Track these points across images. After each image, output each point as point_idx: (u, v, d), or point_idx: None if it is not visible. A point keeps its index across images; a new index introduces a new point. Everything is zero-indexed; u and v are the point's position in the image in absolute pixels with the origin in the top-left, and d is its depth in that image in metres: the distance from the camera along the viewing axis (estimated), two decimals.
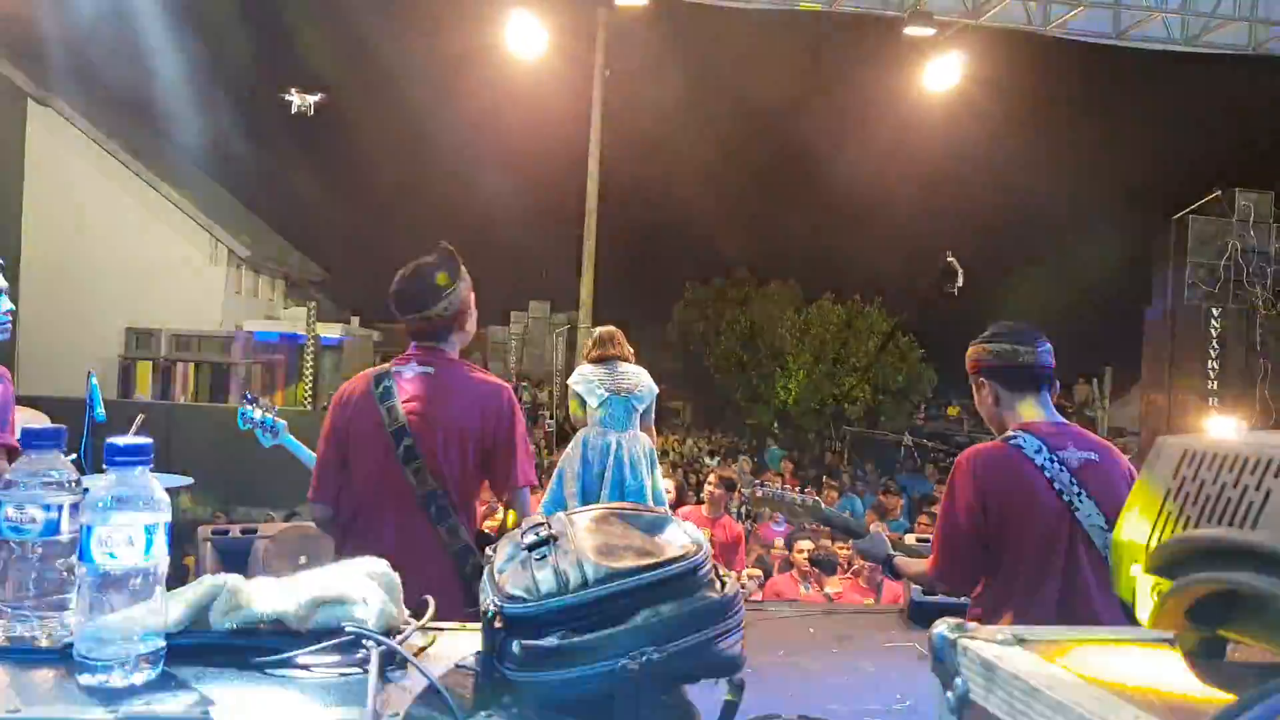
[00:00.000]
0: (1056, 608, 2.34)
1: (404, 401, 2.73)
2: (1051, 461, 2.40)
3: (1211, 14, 10.75)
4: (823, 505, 3.01)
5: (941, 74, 11.15)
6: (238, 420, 3.81)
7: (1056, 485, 2.38)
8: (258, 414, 3.80)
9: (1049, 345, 2.59)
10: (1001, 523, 2.40)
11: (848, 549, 7.53)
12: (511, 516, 2.93)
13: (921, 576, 2.71)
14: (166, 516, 1.04)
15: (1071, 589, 2.35)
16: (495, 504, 4.88)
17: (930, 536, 2.87)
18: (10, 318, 2.81)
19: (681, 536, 1.08)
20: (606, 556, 1.02)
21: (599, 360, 5.51)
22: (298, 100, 15.70)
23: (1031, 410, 2.53)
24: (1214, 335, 11.59)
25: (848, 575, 6.91)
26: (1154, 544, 0.77)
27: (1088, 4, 10.56)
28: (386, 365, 2.86)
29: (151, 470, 1.08)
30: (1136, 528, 0.82)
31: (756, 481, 3.24)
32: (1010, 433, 2.50)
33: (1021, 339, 2.56)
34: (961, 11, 10.57)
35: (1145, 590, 0.75)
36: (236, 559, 4.88)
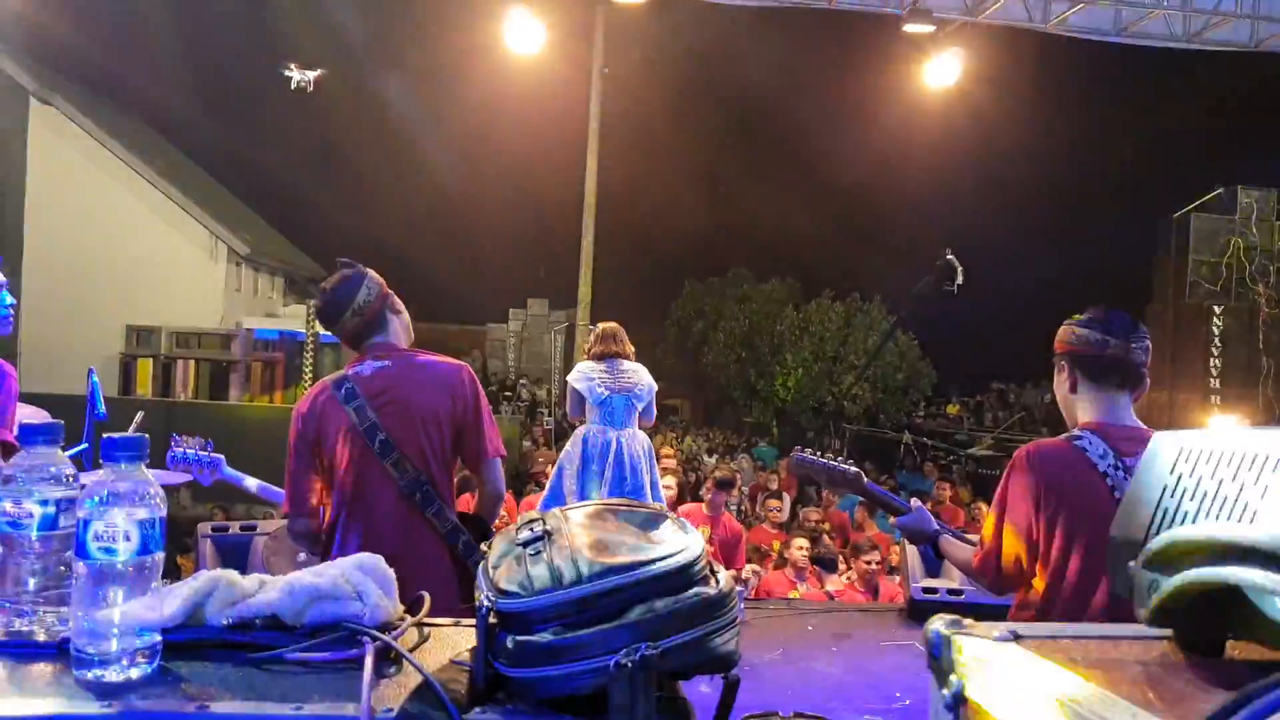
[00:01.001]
0: (1104, 615, 2.22)
1: (370, 398, 2.75)
2: (1115, 469, 2.28)
3: (1212, 10, 10.74)
4: (864, 477, 2.87)
5: (941, 71, 11.14)
6: (166, 462, 3.59)
7: (1117, 493, 2.24)
8: (190, 452, 3.59)
9: (1147, 342, 2.41)
10: (1054, 524, 2.29)
11: (845, 548, 7.54)
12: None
13: (965, 564, 2.56)
14: (163, 512, 1.04)
15: (1121, 598, 2.25)
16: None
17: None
18: (11, 311, 2.80)
19: (676, 533, 1.08)
20: (601, 552, 1.02)
21: (600, 357, 5.50)
22: (297, 75, 15.61)
23: (1106, 409, 2.39)
24: (1216, 333, 11.59)
25: (848, 573, 6.91)
26: (1152, 540, 0.77)
27: (1088, 1, 10.54)
28: (341, 372, 2.88)
29: (149, 467, 1.08)
30: (1134, 524, 0.81)
31: (799, 449, 3.09)
32: (1076, 431, 2.39)
33: (1114, 328, 2.39)
34: (961, 8, 10.56)
35: (1143, 587, 0.75)
36: (236, 556, 4.88)
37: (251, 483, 3.55)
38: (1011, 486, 2.36)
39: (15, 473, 1.09)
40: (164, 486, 1.09)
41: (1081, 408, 2.43)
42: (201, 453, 3.56)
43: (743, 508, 10.69)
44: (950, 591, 5.29)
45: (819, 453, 2.96)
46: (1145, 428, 2.40)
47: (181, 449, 3.59)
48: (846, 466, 2.89)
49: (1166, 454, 0.81)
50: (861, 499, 3.08)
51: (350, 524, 2.73)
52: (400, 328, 2.97)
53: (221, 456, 3.58)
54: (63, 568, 1.11)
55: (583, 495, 5.28)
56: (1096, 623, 2.14)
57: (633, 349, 5.61)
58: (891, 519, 2.94)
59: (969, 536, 2.79)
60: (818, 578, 6.75)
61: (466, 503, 3.41)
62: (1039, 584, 2.35)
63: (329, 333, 2.97)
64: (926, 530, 2.71)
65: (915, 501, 2.83)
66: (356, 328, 2.89)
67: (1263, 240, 11.87)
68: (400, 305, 3.00)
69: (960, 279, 13.65)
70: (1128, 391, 2.40)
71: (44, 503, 1.10)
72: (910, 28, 10.28)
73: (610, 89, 18.57)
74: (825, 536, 8.05)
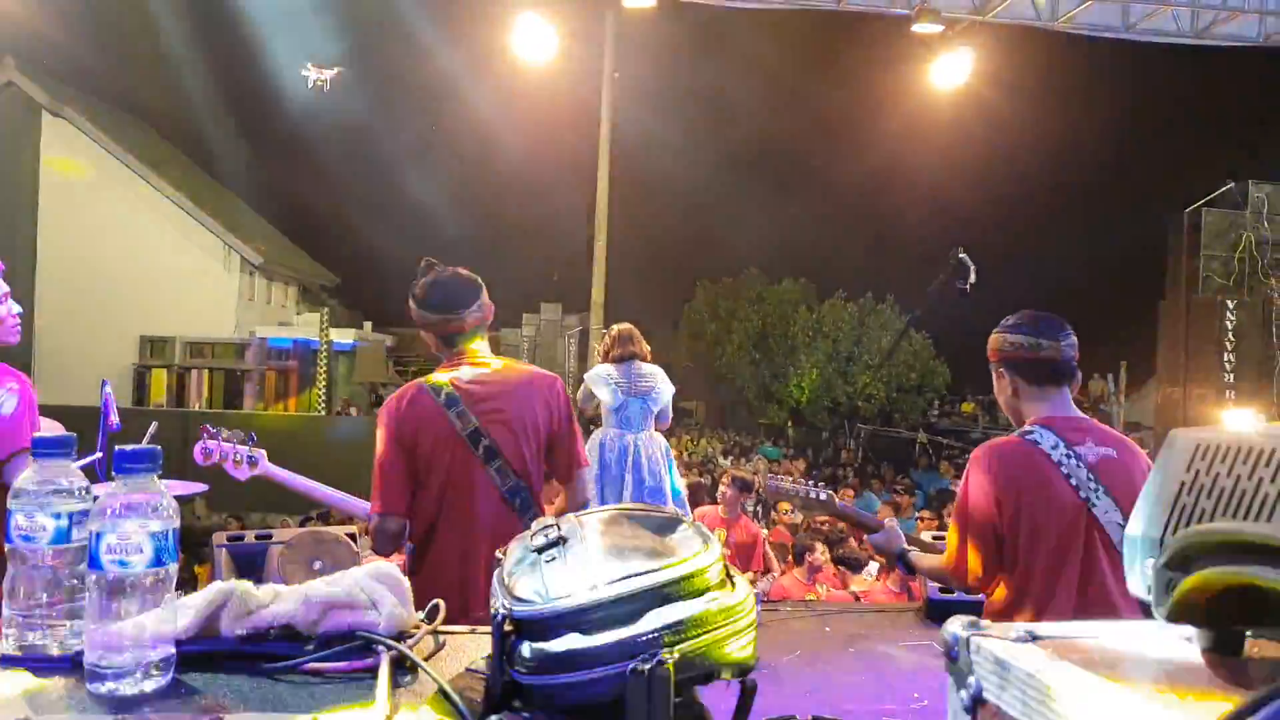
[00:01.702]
0: (1074, 604, 2.32)
1: (471, 404, 2.78)
2: (1069, 457, 2.38)
3: (1221, 6, 10.67)
4: (836, 500, 3.00)
5: (950, 71, 11.09)
6: (196, 455, 3.36)
7: (1074, 481, 2.36)
8: (227, 444, 3.35)
9: (1073, 338, 2.53)
10: (1017, 519, 2.38)
11: (865, 549, 7.51)
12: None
13: (936, 572, 2.68)
14: (176, 523, 1.04)
15: (1089, 586, 2.33)
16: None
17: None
18: (18, 320, 2.80)
19: (693, 537, 1.07)
20: (617, 558, 1.02)
21: (618, 359, 5.49)
22: (315, 75, 15.67)
23: (1050, 405, 2.50)
24: (1229, 328, 11.51)
25: (878, 577, 6.86)
26: (1168, 538, 0.76)
27: None
28: (433, 376, 2.87)
29: (162, 477, 1.08)
30: (1150, 522, 0.81)
31: (770, 474, 3.22)
32: (1027, 427, 2.48)
33: (1043, 330, 2.50)
34: (969, 8, 10.53)
35: (1160, 585, 0.74)
36: (251, 565, 4.89)
37: (300, 481, 3.34)
38: (972, 487, 2.45)
39: (27, 486, 1.10)
40: (178, 497, 1.09)
41: (1027, 409, 2.53)
42: (241, 445, 3.36)
43: (756, 509, 10.65)
44: (967, 592, 5.26)
45: (790, 478, 3.11)
46: (1086, 417, 2.54)
47: (216, 440, 3.37)
48: (818, 490, 3.01)
49: (1183, 451, 0.80)
50: (839, 518, 3.20)
51: (449, 527, 2.75)
52: (484, 342, 2.98)
53: (263, 451, 3.36)
54: (76, 581, 1.11)
55: (602, 500, 5.27)
56: (1065, 611, 2.18)
57: (649, 350, 5.59)
58: (866, 537, 3.03)
59: (936, 546, 2.89)
60: (841, 579, 6.72)
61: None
62: (1007, 577, 2.44)
63: (429, 325, 2.90)
64: (895, 549, 2.81)
65: (889, 521, 2.93)
66: (457, 329, 2.89)
67: (1275, 234, 11.78)
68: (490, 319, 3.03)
69: (973, 277, 13.59)
70: (1065, 386, 2.51)
71: (57, 516, 1.10)
72: (919, 28, 10.25)
73: (621, 93, 18.59)
74: (851, 539, 8.03)
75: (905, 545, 2.80)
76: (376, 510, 2.78)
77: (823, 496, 2.97)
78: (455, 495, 2.76)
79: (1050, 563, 2.36)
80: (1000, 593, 2.46)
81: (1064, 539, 2.35)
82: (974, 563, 2.46)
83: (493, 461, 2.75)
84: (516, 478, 2.77)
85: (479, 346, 2.92)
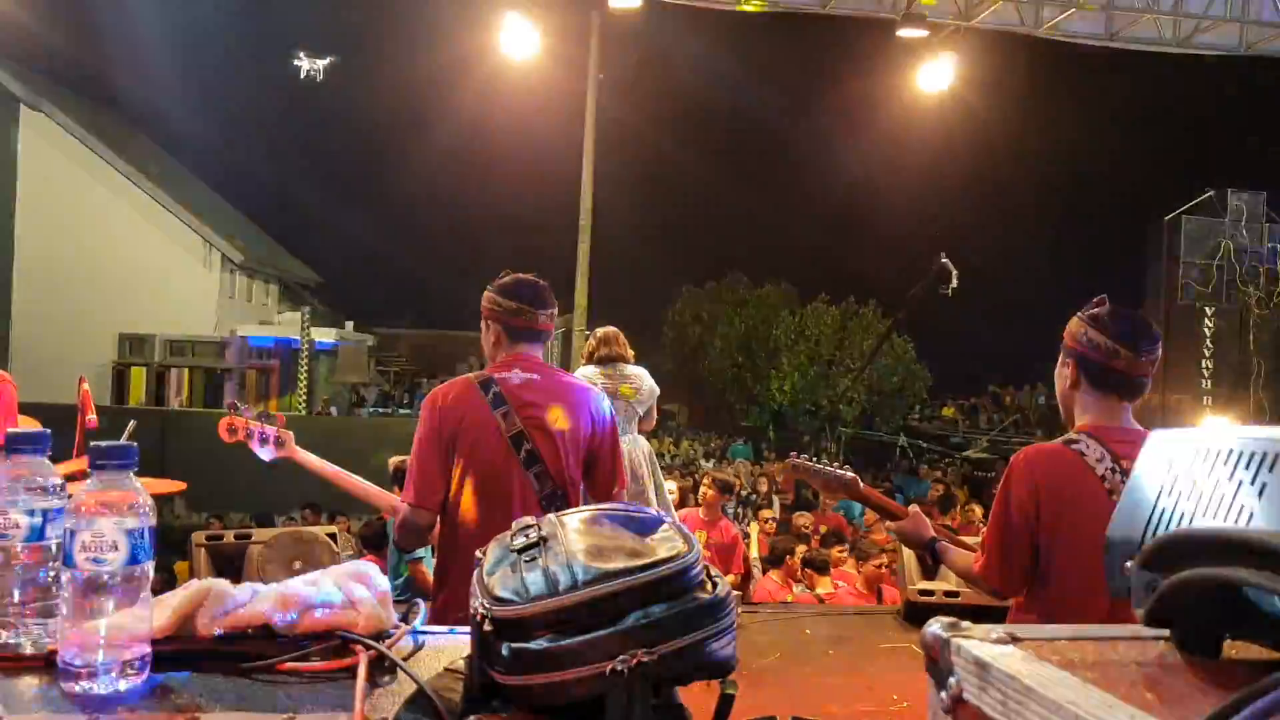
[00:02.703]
0: (1109, 620, 2.21)
1: (518, 407, 2.76)
2: (1113, 471, 2.26)
3: (1202, 15, 10.78)
4: (860, 482, 2.85)
5: (935, 75, 11.16)
6: (221, 431, 3.30)
7: (1115, 496, 2.16)
8: (254, 424, 3.27)
9: (1158, 353, 2.35)
10: (1054, 528, 2.27)
11: (843, 552, 7.54)
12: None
13: (966, 571, 2.52)
14: (151, 521, 1.03)
15: (1125, 603, 2.23)
16: None
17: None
18: None
19: (673, 537, 1.07)
20: (597, 558, 1.01)
21: (601, 361, 5.47)
22: (307, 64, 15.64)
23: (1107, 414, 2.35)
24: (1208, 335, 11.64)
25: (845, 575, 6.90)
26: (1148, 540, 0.76)
27: (1079, 6, 10.58)
28: (487, 372, 2.87)
29: (141, 476, 1.07)
30: (1131, 524, 0.81)
31: (794, 452, 3.09)
32: (1073, 435, 2.36)
33: (1126, 337, 2.31)
34: (954, 13, 10.60)
35: (1140, 587, 0.75)
36: (230, 564, 4.86)
37: (329, 468, 3.24)
38: (1011, 490, 2.33)
39: (1, 483, 1.08)
40: (157, 496, 1.08)
41: (1079, 407, 2.40)
42: (269, 426, 3.27)
43: (737, 511, 10.69)
44: (947, 594, 5.29)
45: (814, 458, 2.97)
46: (1143, 430, 2.36)
47: (245, 416, 3.27)
48: (843, 471, 2.88)
49: (1163, 453, 0.80)
50: (862, 502, 3.07)
51: (485, 528, 2.68)
52: (541, 351, 2.97)
53: (291, 433, 3.28)
54: (50, 579, 1.09)
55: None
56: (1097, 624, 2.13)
57: (632, 353, 5.57)
58: (886, 525, 2.94)
59: (965, 539, 2.79)
60: (809, 581, 6.75)
61: None
62: (1042, 588, 2.33)
63: (501, 312, 2.87)
64: (923, 537, 2.68)
65: (914, 508, 2.80)
66: (530, 325, 2.88)
67: (1252, 242, 11.92)
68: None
69: (955, 282, 13.68)
70: (1128, 399, 2.37)
71: (30, 513, 1.08)
72: (904, 32, 10.31)
73: (606, 95, 18.58)
74: (814, 539, 8.07)
75: (933, 534, 2.67)
76: (409, 500, 2.76)
77: (848, 477, 2.84)
78: (494, 497, 2.74)
79: (1086, 576, 2.15)
80: (1033, 603, 2.35)
81: (1100, 560, 2.23)
82: (1006, 568, 2.36)
83: (533, 466, 2.74)
84: (555, 485, 2.76)
85: (535, 353, 2.91)
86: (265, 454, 3.27)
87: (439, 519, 2.82)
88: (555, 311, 2.97)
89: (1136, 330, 2.33)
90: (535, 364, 2.89)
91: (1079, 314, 2.40)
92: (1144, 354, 2.31)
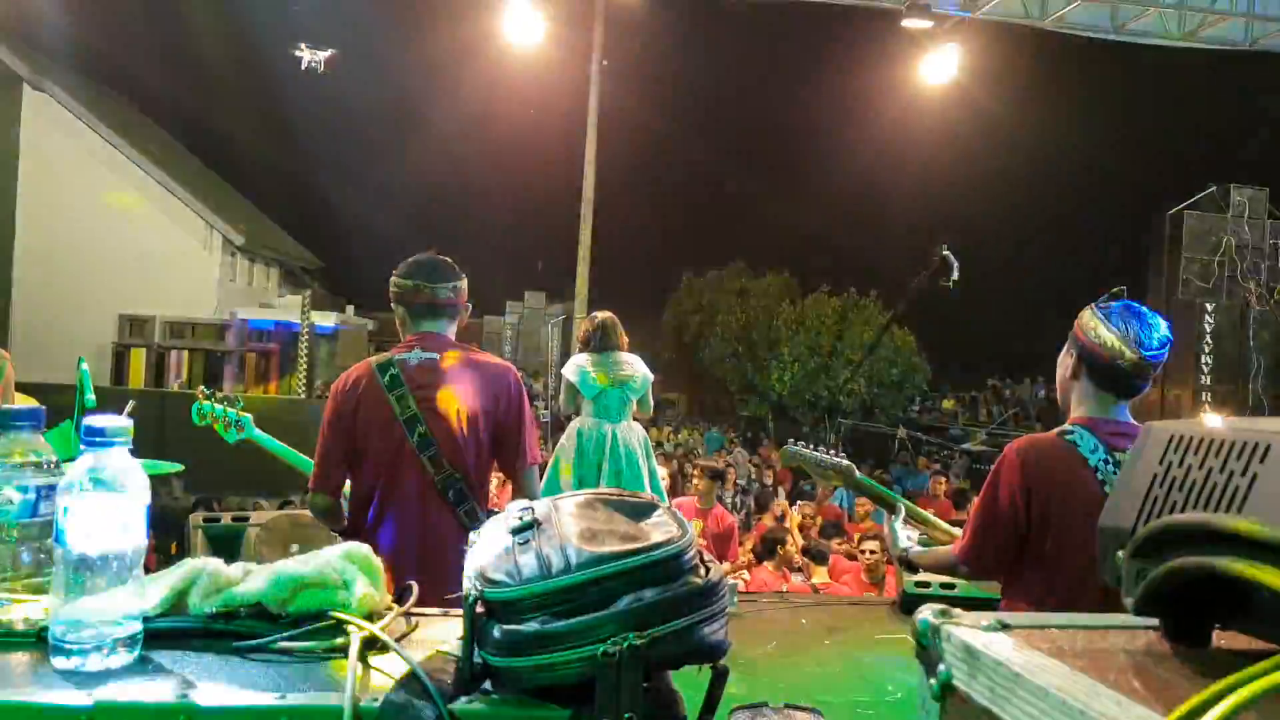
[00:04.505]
0: (1102, 610, 2.21)
1: (414, 390, 2.74)
2: (1106, 463, 2.27)
3: (1208, 9, 10.74)
4: (855, 470, 2.86)
5: (939, 66, 11.13)
6: (193, 415, 3.54)
7: (1107, 488, 2.24)
8: (218, 407, 3.52)
9: (1164, 354, 2.30)
10: (1044, 518, 2.28)
11: (842, 544, 7.55)
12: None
13: (940, 562, 2.55)
14: (145, 499, 1.03)
15: (1114, 592, 2.23)
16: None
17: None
18: None
19: (667, 522, 1.07)
20: (590, 541, 1.01)
21: (596, 349, 5.46)
22: (308, 56, 15.59)
23: (1102, 408, 2.35)
24: (1207, 330, 11.63)
25: (847, 566, 6.89)
26: (1139, 529, 0.76)
27: None
28: (387, 354, 2.85)
29: (139, 456, 1.07)
30: (1122, 513, 0.81)
31: (791, 439, 3.07)
32: (1067, 426, 2.36)
33: (1133, 336, 2.28)
34: (959, 4, 10.56)
35: (1131, 575, 0.75)
36: (227, 546, 4.88)
37: (280, 447, 3.46)
38: (1001, 479, 2.35)
39: None
40: (154, 476, 1.08)
41: (1076, 398, 2.40)
42: (231, 410, 3.48)
43: (734, 501, 10.69)
44: (943, 586, 5.29)
45: (811, 445, 2.95)
46: (1137, 425, 2.36)
47: (209, 402, 3.53)
48: (839, 459, 2.88)
49: (1156, 443, 0.80)
50: (857, 490, 3.07)
51: (384, 512, 2.73)
52: (454, 331, 2.96)
53: (250, 415, 3.50)
54: (43, 555, 1.10)
55: (579, 487, 5.26)
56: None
57: (627, 340, 5.57)
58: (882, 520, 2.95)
59: (944, 525, 2.80)
60: (807, 571, 6.76)
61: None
62: (1034, 578, 2.34)
63: (400, 293, 2.90)
64: (893, 553, 2.73)
65: (900, 507, 2.77)
66: (430, 304, 2.87)
67: (1254, 238, 11.89)
68: (465, 315, 3.00)
69: (956, 274, 13.64)
70: (1126, 397, 2.36)
71: (24, 489, 1.08)
72: (909, 22, 10.29)
73: (609, 81, 18.52)
74: (813, 530, 8.07)
75: (902, 549, 2.66)
76: (310, 485, 2.81)
77: (843, 464, 2.85)
78: (388, 480, 2.74)
79: (1077, 567, 2.22)
80: (1024, 591, 2.36)
81: (1091, 547, 2.23)
82: (989, 553, 2.37)
83: (426, 450, 2.71)
84: (451, 468, 2.72)
85: (442, 332, 2.89)
86: (229, 436, 3.42)
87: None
88: (461, 285, 2.92)
89: (1147, 332, 2.30)
90: (438, 342, 2.85)
91: (1093, 304, 2.37)
92: (1149, 354, 2.28)
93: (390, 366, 2.78)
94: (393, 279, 2.93)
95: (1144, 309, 2.36)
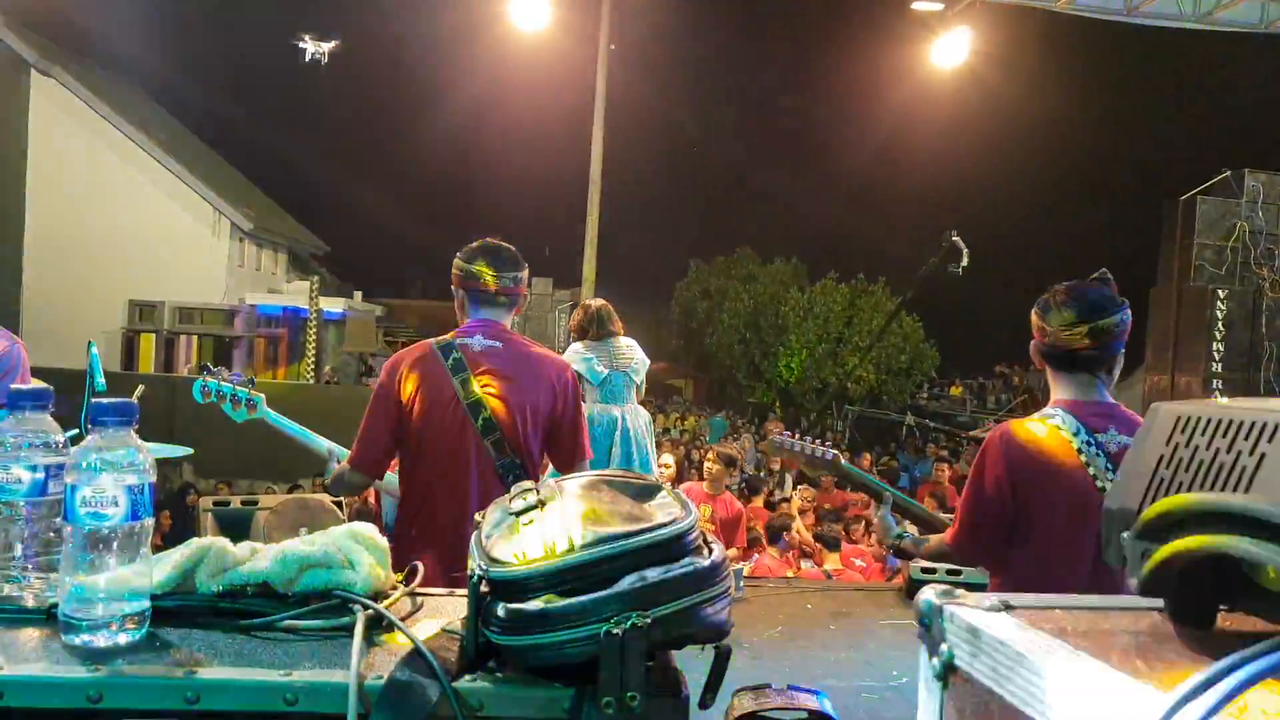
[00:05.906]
0: (1090, 589, 2.23)
1: (476, 374, 2.74)
2: (1088, 445, 2.31)
3: None
4: (841, 460, 2.88)
5: (949, 50, 11.06)
6: (194, 392, 3.33)
7: (1091, 470, 2.29)
8: (226, 385, 3.28)
9: (1112, 320, 2.34)
10: (1029, 502, 2.32)
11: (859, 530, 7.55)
12: None
13: (933, 550, 2.59)
14: (152, 478, 1.04)
15: (1102, 575, 2.26)
16: None
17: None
18: None
19: (670, 504, 1.07)
20: (594, 522, 1.02)
21: (595, 336, 5.47)
22: (312, 47, 15.55)
23: (1074, 389, 2.39)
24: (1219, 317, 11.54)
25: (859, 551, 6.89)
26: (1146, 510, 0.76)
27: None
28: (448, 337, 2.84)
29: (149, 440, 1.07)
30: (1129, 494, 0.81)
31: (775, 430, 3.07)
32: (1049, 410, 2.40)
33: (1065, 312, 2.34)
34: None
35: (1135, 556, 0.74)
36: (237, 530, 4.90)
37: (295, 428, 3.28)
38: (986, 465, 2.38)
39: (4, 438, 1.09)
40: (164, 460, 1.09)
41: (1053, 383, 2.46)
42: (240, 388, 3.27)
43: (740, 486, 10.69)
44: (949, 571, 5.30)
45: (797, 435, 2.97)
46: (1116, 403, 2.42)
47: (215, 379, 3.30)
48: (825, 449, 2.91)
49: (1163, 424, 0.80)
50: (844, 480, 3.09)
51: (441, 493, 2.72)
52: (510, 321, 2.93)
53: (262, 395, 3.30)
54: (52, 533, 1.10)
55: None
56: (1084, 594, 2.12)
57: (621, 325, 5.58)
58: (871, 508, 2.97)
59: (930, 513, 2.84)
60: (818, 557, 6.76)
61: None
62: (1020, 562, 2.37)
63: (463, 277, 2.86)
64: (886, 542, 2.75)
65: (888, 497, 2.78)
66: (496, 292, 2.84)
67: (1268, 224, 11.80)
68: (523, 308, 2.98)
69: (965, 261, 13.61)
70: (1093, 374, 2.39)
71: (33, 468, 1.09)
72: (919, 6, 10.23)
73: (617, 66, 18.45)
74: (811, 515, 8.07)
75: (895, 538, 2.69)
76: (350, 461, 2.78)
77: (829, 456, 2.87)
78: (450, 463, 2.72)
79: (1062, 549, 2.29)
80: (1012, 575, 2.39)
81: (1077, 529, 2.27)
82: (979, 540, 2.41)
83: (490, 435, 2.71)
84: (513, 454, 2.73)
85: (500, 320, 2.87)
86: (238, 415, 3.30)
87: (400, 480, 2.82)
88: (523, 275, 2.90)
89: (1080, 303, 2.36)
90: (499, 331, 2.84)
91: (1036, 305, 2.45)
92: (1089, 324, 2.33)
93: (453, 349, 2.77)
94: (456, 261, 2.89)
95: (1086, 287, 2.41)
